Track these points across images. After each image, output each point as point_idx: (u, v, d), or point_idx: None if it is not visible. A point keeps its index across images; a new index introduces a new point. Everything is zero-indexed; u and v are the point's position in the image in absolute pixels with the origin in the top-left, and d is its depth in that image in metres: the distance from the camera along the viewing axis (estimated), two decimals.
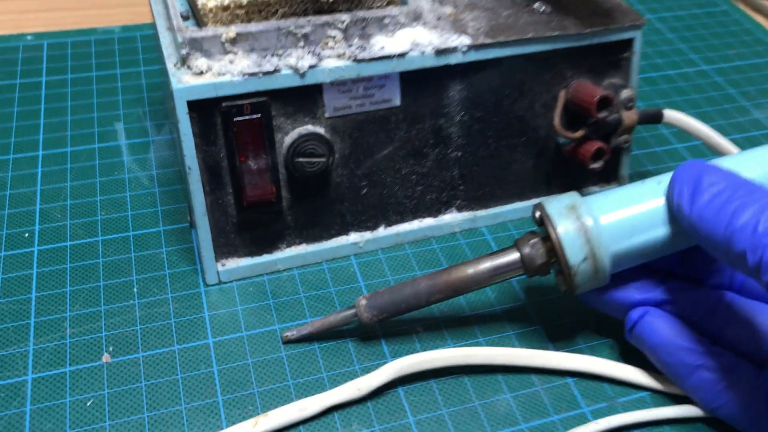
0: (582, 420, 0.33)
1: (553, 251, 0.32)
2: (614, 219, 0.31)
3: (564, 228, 0.31)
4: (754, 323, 0.32)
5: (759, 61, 0.59)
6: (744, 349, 0.32)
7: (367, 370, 0.34)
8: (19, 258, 0.38)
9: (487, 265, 0.33)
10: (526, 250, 0.33)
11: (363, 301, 0.34)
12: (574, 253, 0.31)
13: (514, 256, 0.33)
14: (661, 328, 0.32)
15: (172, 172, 0.44)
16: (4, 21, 0.56)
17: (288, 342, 0.35)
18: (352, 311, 0.34)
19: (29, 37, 0.54)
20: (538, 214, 0.33)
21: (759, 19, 0.66)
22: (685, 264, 0.34)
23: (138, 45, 0.54)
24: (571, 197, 0.32)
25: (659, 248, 0.32)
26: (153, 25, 0.42)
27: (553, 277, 0.36)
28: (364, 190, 0.39)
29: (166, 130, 0.47)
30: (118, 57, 0.53)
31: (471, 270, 0.33)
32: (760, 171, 0.31)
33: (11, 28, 0.55)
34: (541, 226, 0.33)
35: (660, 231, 0.31)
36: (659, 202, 0.31)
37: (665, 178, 0.32)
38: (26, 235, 0.39)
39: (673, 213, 0.30)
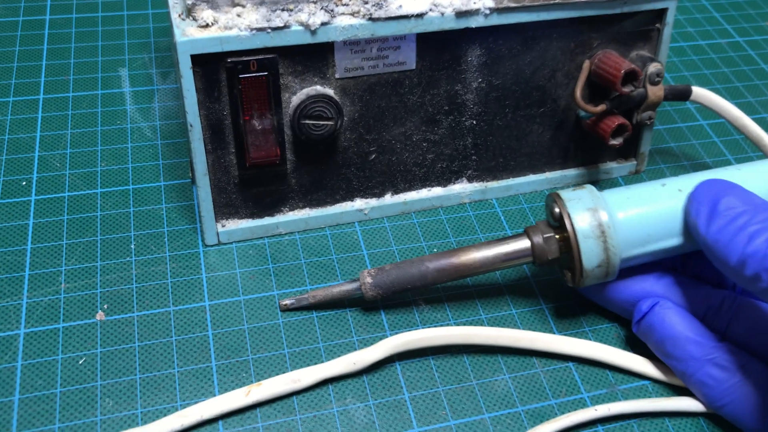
0: (580, 405, 0.32)
1: (567, 248, 0.32)
2: (633, 227, 0.31)
3: (584, 233, 0.31)
4: (764, 320, 0.31)
5: None
6: (752, 346, 0.31)
7: (365, 342, 0.33)
8: (15, 207, 0.37)
9: (496, 251, 0.33)
10: (538, 240, 0.32)
11: (368, 279, 0.33)
12: (590, 259, 0.31)
13: (525, 244, 0.32)
14: (671, 319, 0.31)
15: (176, 124, 0.43)
16: None
17: (286, 310, 0.34)
18: (355, 285, 0.33)
19: None
20: (557, 209, 0.32)
21: None
22: (688, 262, 0.34)
23: None
24: (593, 197, 0.32)
25: (669, 253, 0.32)
26: None
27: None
28: (373, 156, 0.37)
29: (172, 78, 0.45)
30: None
31: (480, 255, 0.33)
32: (762, 186, 0.31)
33: None
34: (557, 220, 0.32)
35: (674, 240, 0.31)
36: (677, 212, 0.31)
37: (687, 185, 0.31)
38: (23, 183, 0.38)
39: (689, 229, 0.31)
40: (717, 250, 0.28)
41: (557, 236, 0.32)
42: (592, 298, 0.34)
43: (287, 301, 0.34)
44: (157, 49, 0.47)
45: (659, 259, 0.33)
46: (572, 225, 0.31)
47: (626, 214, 0.31)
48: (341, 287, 0.33)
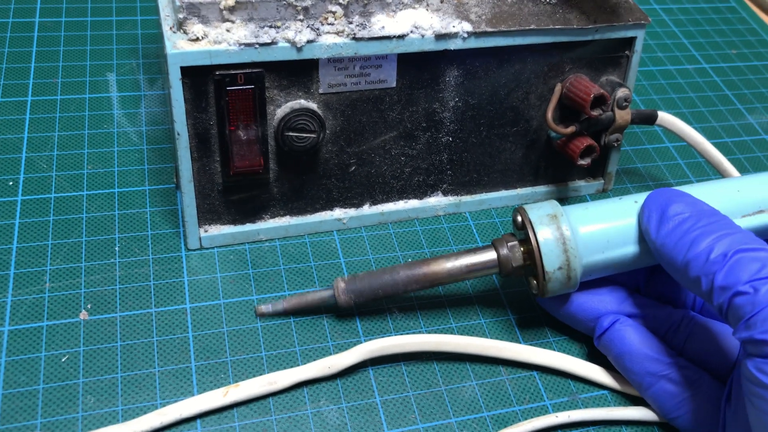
0: (543, 412, 0.34)
1: (530, 256, 0.33)
2: (591, 232, 0.33)
3: (544, 236, 0.32)
4: (716, 339, 0.33)
5: (758, 63, 0.59)
6: (706, 363, 0.33)
7: (339, 347, 0.35)
8: (1, 206, 0.38)
9: (464, 262, 0.34)
10: (504, 251, 0.34)
11: (341, 284, 0.34)
12: (551, 261, 0.32)
13: (491, 256, 0.34)
14: (629, 336, 0.33)
15: (161, 129, 0.44)
16: None
17: (261, 316, 0.35)
18: (329, 292, 0.35)
19: None
20: (519, 218, 0.34)
21: (765, 18, 0.65)
22: (650, 282, 0.35)
23: None
24: (553, 206, 0.33)
25: (629, 263, 0.33)
26: None
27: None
28: (353, 168, 0.39)
29: (159, 85, 0.46)
30: (115, 2, 0.52)
31: (449, 265, 0.34)
32: (717, 204, 0.32)
33: None
34: (521, 229, 0.34)
35: (632, 248, 0.33)
36: (633, 221, 0.33)
37: (642, 197, 0.33)
38: (10, 183, 0.39)
39: (643, 235, 0.32)
40: (665, 253, 0.30)
41: (521, 246, 0.34)
42: (556, 315, 0.36)
43: (263, 308, 0.35)
44: (144, 56, 0.48)
45: (621, 272, 0.34)
46: (533, 230, 0.33)
47: (585, 225, 0.33)
48: (315, 294, 0.35)
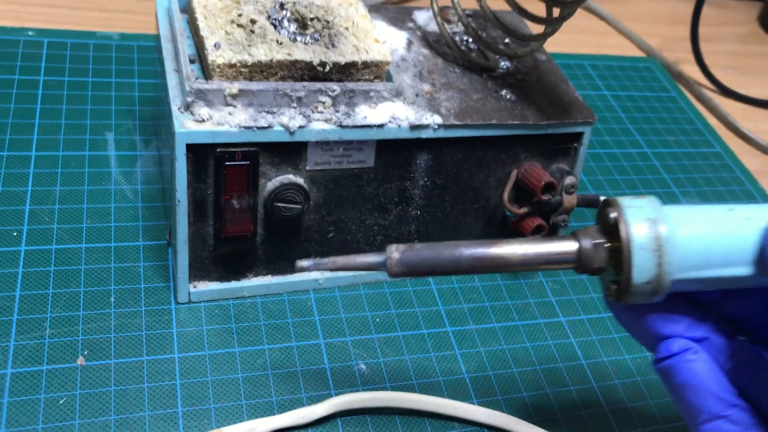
0: None
1: (617, 259, 0.29)
2: (692, 248, 0.29)
3: (640, 244, 0.28)
4: None
5: (693, 150, 0.66)
6: (764, 409, 0.31)
7: (312, 400, 0.39)
8: (6, 255, 0.41)
9: (539, 249, 0.30)
10: (587, 246, 0.30)
11: (395, 254, 0.30)
12: (641, 273, 0.28)
13: (572, 247, 0.30)
14: (697, 369, 0.31)
15: (155, 188, 0.48)
16: (7, 11, 0.58)
17: (302, 271, 0.32)
18: (380, 258, 0.31)
19: (30, 33, 0.56)
20: (613, 214, 0.29)
21: (701, 109, 0.73)
22: (726, 301, 0.33)
23: (134, 56, 0.57)
24: (653, 207, 0.29)
25: (721, 284, 0.30)
26: (157, 50, 0.45)
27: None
28: (331, 234, 0.44)
29: (154, 146, 0.51)
30: (115, 65, 0.56)
31: (521, 251, 0.30)
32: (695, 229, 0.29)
33: (14, 19, 0.58)
34: (611, 226, 0.29)
35: (732, 270, 0.29)
36: (740, 242, 0.29)
37: (754, 214, 0.29)
38: (14, 233, 0.43)
39: (749, 259, 0.29)
40: None
41: (607, 244, 0.30)
42: (620, 320, 0.33)
43: (304, 263, 0.32)
44: (141, 117, 0.52)
45: (706, 289, 0.31)
46: (628, 233, 0.28)
47: (688, 232, 0.29)
48: (365, 258, 0.31)
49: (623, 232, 0.28)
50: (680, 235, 0.29)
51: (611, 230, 0.29)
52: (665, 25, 0.86)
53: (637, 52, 0.80)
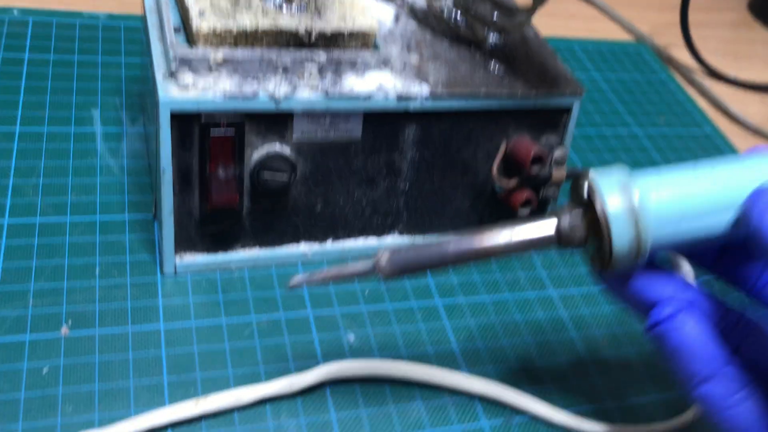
0: (480, 431, 0.38)
1: (595, 228, 0.30)
2: (665, 202, 0.30)
3: (614, 207, 0.29)
4: None
5: (683, 131, 0.66)
6: (759, 366, 0.32)
7: (300, 370, 0.38)
8: None
9: (520, 235, 0.31)
10: (565, 222, 0.31)
11: (385, 255, 0.32)
12: (620, 235, 0.29)
13: (550, 228, 0.31)
14: (689, 331, 0.31)
15: (141, 164, 0.47)
16: None
17: (294, 287, 0.33)
18: (368, 265, 0.32)
19: (15, 12, 0.56)
20: (586, 185, 0.30)
21: (690, 91, 0.73)
22: (723, 260, 0.33)
23: (121, 35, 0.57)
24: (622, 172, 0.30)
25: (704, 239, 0.31)
26: (143, 28, 0.45)
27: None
28: (319, 207, 0.43)
29: (140, 123, 0.50)
30: (101, 44, 0.55)
31: (502, 239, 0.31)
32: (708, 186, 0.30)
33: None
34: (586, 197, 0.30)
35: (705, 230, 0.30)
36: (714, 190, 0.30)
37: (719, 168, 0.30)
38: None
39: (747, 229, 0.30)
40: None
41: (584, 217, 0.31)
42: (613, 292, 0.33)
43: (298, 278, 0.33)
44: (127, 95, 0.52)
45: (692, 247, 0.32)
46: (602, 204, 0.29)
47: (660, 194, 0.30)
48: (355, 266, 0.32)
49: (597, 204, 0.29)
50: (653, 198, 0.30)
51: (586, 203, 0.30)
52: (655, 12, 0.86)
53: (627, 37, 0.80)
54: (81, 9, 0.59)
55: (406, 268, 0.32)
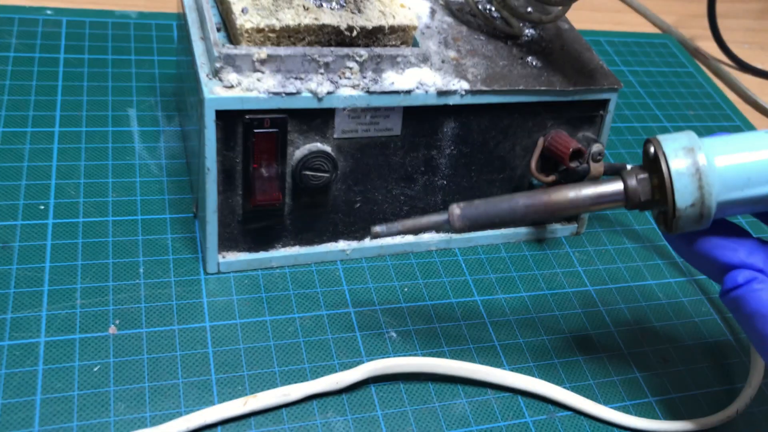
0: (525, 428, 0.38)
1: (661, 190, 0.31)
2: (731, 165, 0.30)
3: (677, 168, 0.30)
4: None
5: (713, 124, 0.66)
6: None
7: (344, 366, 0.38)
8: (34, 228, 0.41)
9: (589, 192, 0.32)
10: (632, 182, 0.32)
11: (456, 210, 0.33)
12: (684, 197, 0.30)
13: (618, 187, 0.32)
14: (766, 297, 0.31)
15: (179, 163, 0.48)
16: None
17: (376, 237, 0.35)
18: (443, 217, 0.34)
19: (49, 12, 0.56)
20: (652, 149, 0.31)
21: (719, 84, 0.72)
22: None
23: (153, 33, 0.57)
24: (689, 137, 0.31)
25: (764, 204, 0.31)
26: (182, 26, 0.45)
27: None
28: (358, 204, 0.43)
29: (176, 121, 0.50)
30: (134, 43, 0.56)
31: (572, 194, 0.32)
32: None
33: None
34: (653, 161, 0.31)
35: None
36: None
37: None
38: (41, 207, 0.42)
39: None
40: None
41: (652, 179, 0.31)
42: (681, 254, 0.34)
43: (378, 228, 0.35)
44: (162, 94, 0.52)
45: (756, 211, 0.32)
46: (666, 163, 0.30)
47: (725, 153, 0.30)
48: (429, 218, 0.34)
49: (663, 163, 0.30)
50: (718, 157, 0.30)
51: (653, 165, 0.31)
52: (680, 2, 0.85)
53: (653, 29, 0.79)
54: (112, 7, 0.59)
55: (476, 222, 0.33)
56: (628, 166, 0.48)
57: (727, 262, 0.32)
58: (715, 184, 0.30)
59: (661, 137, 0.31)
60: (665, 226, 0.32)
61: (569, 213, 0.33)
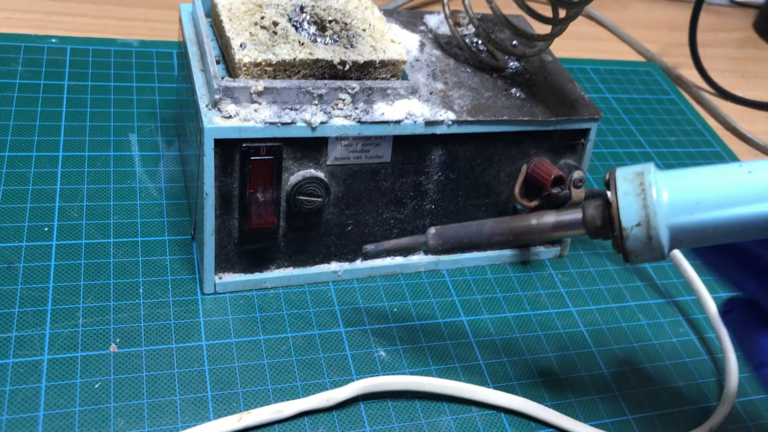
0: None
1: (612, 213, 0.32)
2: (679, 187, 0.30)
3: (624, 189, 0.31)
4: None
5: (694, 150, 0.68)
6: None
7: (335, 384, 0.40)
8: (39, 249, 0.43)
9: (550, 219, 0.34)
10: (590, 210, 0.33)
11: (432, 230, 0.37)
12: (629, 215, 0.30)
13: (577, 215, 0.34)
14: (745, 325, 0.32)
15: (178, 186, 0.49)
16: (31, 20, 0.60)
17: (366, 254, 0.39)
18: (422, 238, 0.38)
19: (54, 40, 0.58)
20: (607, 176, 0.32)
21: (700, 111, 0.75)
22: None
23: (154, 61, 0.59)
24: (645, 166, 0.31)
25: (735, 232, 0.30)
26: (181, 55, 0.47)
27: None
28: (349, 227, 0.45)
29: (175, 146, 0.52)
30: (135, 70, 0.58)
31: (534, 221, 0.34)
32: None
33: (38, 28, 0.60)
34: (608, 189, 0.32)
35: (734, 212, 0.29)
36: (739, 183, 0.29)
37: (756, 167, 0.30)
38: (45, 229, 0.44)
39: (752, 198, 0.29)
40: None
41: (607, 205, 0.33)
42: (708, 266, 0.34)
43: (368, 247, 0.39)
44: (162, 119, 0.54)
45: (726, 247, 0.32)
46: (615, 186, 0.31)
47: (673, 179, 0.30)
48: (411, 238, 0.38)
49: (612, 187, 0.31)
50: (667, 180, 0.30)
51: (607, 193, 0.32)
52: (664, 32, 0.88)
53: (637, 57, 0.82)
54: (115, 36, 0.61)
55: (448, 241, 0.36)
56: (606, 194, 0.51)
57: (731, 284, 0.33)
58: (661, 204, 0.30)
59: (620, 167, 0.32)
60: (619, 250, 0.32)
61: (533, 238, 0.35)
